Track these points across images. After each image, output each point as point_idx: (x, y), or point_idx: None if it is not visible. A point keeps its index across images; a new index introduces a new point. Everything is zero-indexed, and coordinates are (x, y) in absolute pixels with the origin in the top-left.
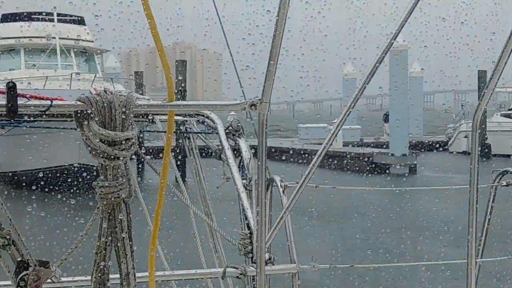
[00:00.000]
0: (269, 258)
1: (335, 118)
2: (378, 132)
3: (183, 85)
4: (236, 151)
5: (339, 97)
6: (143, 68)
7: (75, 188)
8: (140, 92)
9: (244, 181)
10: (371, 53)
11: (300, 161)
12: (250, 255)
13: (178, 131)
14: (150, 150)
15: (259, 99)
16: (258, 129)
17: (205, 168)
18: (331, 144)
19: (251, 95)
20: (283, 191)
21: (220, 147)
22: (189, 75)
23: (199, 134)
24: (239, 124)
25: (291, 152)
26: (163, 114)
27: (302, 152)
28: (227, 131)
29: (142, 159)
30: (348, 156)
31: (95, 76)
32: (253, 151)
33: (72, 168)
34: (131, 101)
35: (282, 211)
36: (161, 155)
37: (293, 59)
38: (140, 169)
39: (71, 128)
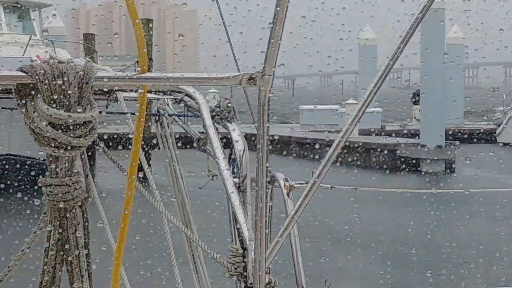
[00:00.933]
0: (269, 282)
1: (350, 97)
2: (404, 116)
3: (149, 51)
4: (226, 140)
5: (353, 70)
6: (95, 29)
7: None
8: (92, 60)
9: (236, 179)
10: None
11: (302, 154)
12: (243, 277)
13: (148, 113)
14: (105, 138)
15: (260, 71)
16: (258, 111)
17: (183, 162)
18: (351, 132)
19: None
20: (288, 193)
21: (203, 134)
22: (157, 39)
23: (176, 117)
24: (229, 105)
25: (290, 142)
26: (129, 90)
27: (304, 142)
28: (213, 113)
29: (94, 150)
30: (366, 148)
31: (30, 38)
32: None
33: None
34: (91, 72)
35: (287, 220)
36: (114, 143)
37: (331, 14)
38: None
39: (9, 108)
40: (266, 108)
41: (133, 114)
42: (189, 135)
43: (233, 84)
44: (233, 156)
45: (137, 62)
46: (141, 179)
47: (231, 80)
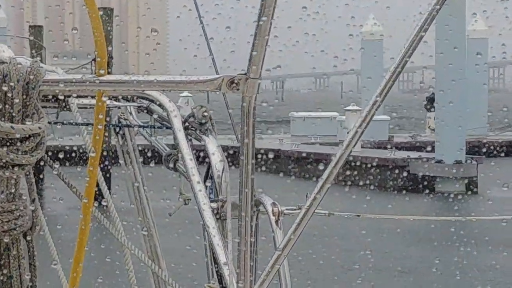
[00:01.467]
0: None
1: (351, 102)
2: (416, 126)
3: (109, 49)
4: (201, 155)
5: (353, 70)
6: (42, 21)
7: None
8: (39, 58)
9: (214, 204)
10: None
11: (293, 171)
12: None
13: (107, 124)
14: (50, 153)
15: (244, 74)
16: (241, 121)
17: (149, 183)
18: (354, 145)
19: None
20: (277, 221)
21: (174, 149)
22: (118, 34)
23: (141, 129)
24: (206, 113)
25: (279, 156)
26: (84, 97)
27: (296, 156)
28: (186, 124)
29: (43, 168)
30: (370, 163)
31: None
32: (226, 154)
33: None
34: (38, 75)
35: (276, 253)
36: (69, 159)
37: (338, 4)
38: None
39: None
40: (251, 118)
41: (89, 125)
42: (156, 151)
43: (211, 89)
44: (210, 176)
45: (93, 60)
46: (99, 204)
47: (208, 84)
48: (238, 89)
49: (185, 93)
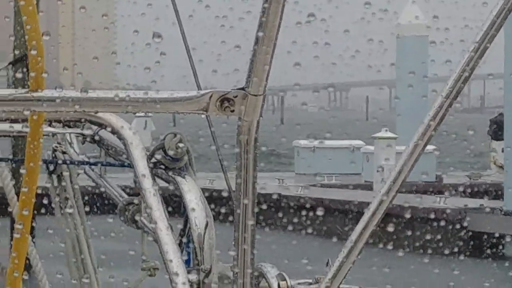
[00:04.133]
0: None
1: (381, 126)
2: (476, 161)
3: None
4: (174, 203)
5: (383, 80)
6: None
7: None
8: None
9: (193, 276)
10: None
11: (302, 226)
12: None
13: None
14: None
15: (241, 89)
16: (238, 156)
17: (97, 244)
18: (397, 190)
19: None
20: None
21: (135, 197)
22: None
23: (86, 167)
24: (181, 145)
25: (279, 204)
26: (5, 120)
27: (303, 205)
28: (153, 160)
29: None
30: (411, 215)
31: None
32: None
33: None
34: None
35: None
36: None
37: None
38: None
39: None
40: (252, 152)
41: (11, 160)
42: (107, 197)
43: (194, 110)
44: (188, 235)
45: (12, 64)
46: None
47: (190, 103)
48: (233, 111)
49: (141, 113)
